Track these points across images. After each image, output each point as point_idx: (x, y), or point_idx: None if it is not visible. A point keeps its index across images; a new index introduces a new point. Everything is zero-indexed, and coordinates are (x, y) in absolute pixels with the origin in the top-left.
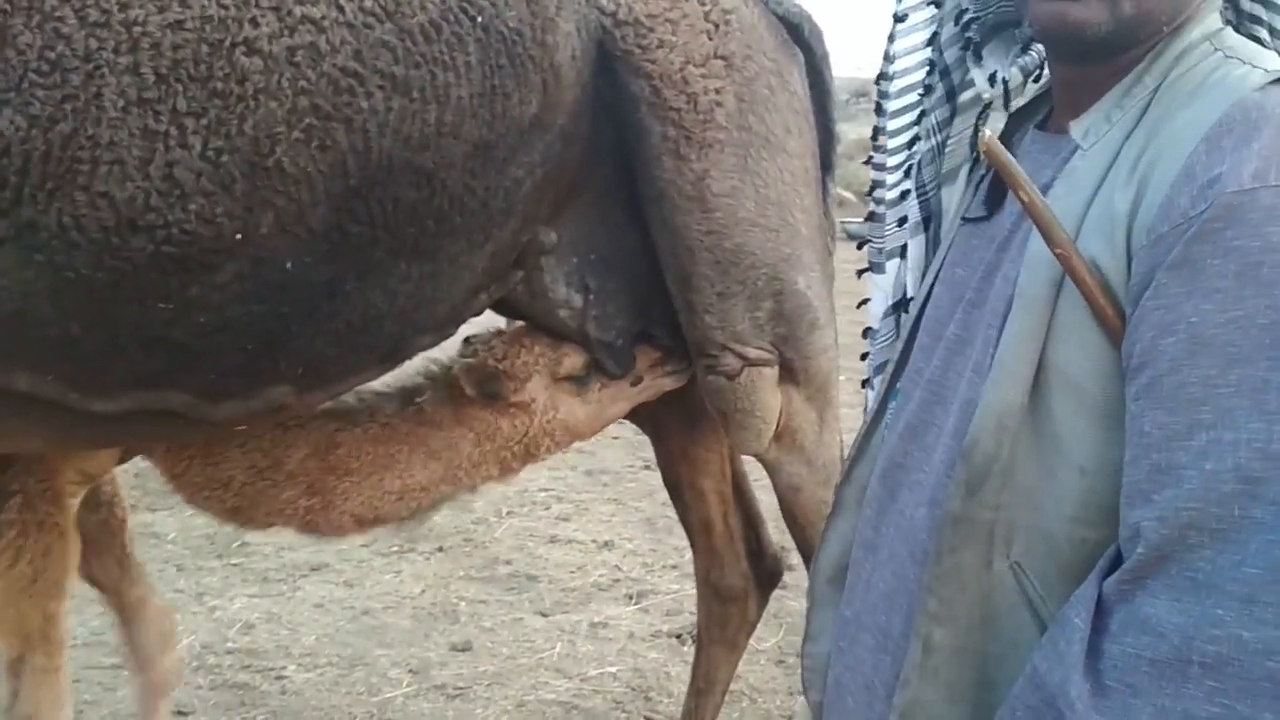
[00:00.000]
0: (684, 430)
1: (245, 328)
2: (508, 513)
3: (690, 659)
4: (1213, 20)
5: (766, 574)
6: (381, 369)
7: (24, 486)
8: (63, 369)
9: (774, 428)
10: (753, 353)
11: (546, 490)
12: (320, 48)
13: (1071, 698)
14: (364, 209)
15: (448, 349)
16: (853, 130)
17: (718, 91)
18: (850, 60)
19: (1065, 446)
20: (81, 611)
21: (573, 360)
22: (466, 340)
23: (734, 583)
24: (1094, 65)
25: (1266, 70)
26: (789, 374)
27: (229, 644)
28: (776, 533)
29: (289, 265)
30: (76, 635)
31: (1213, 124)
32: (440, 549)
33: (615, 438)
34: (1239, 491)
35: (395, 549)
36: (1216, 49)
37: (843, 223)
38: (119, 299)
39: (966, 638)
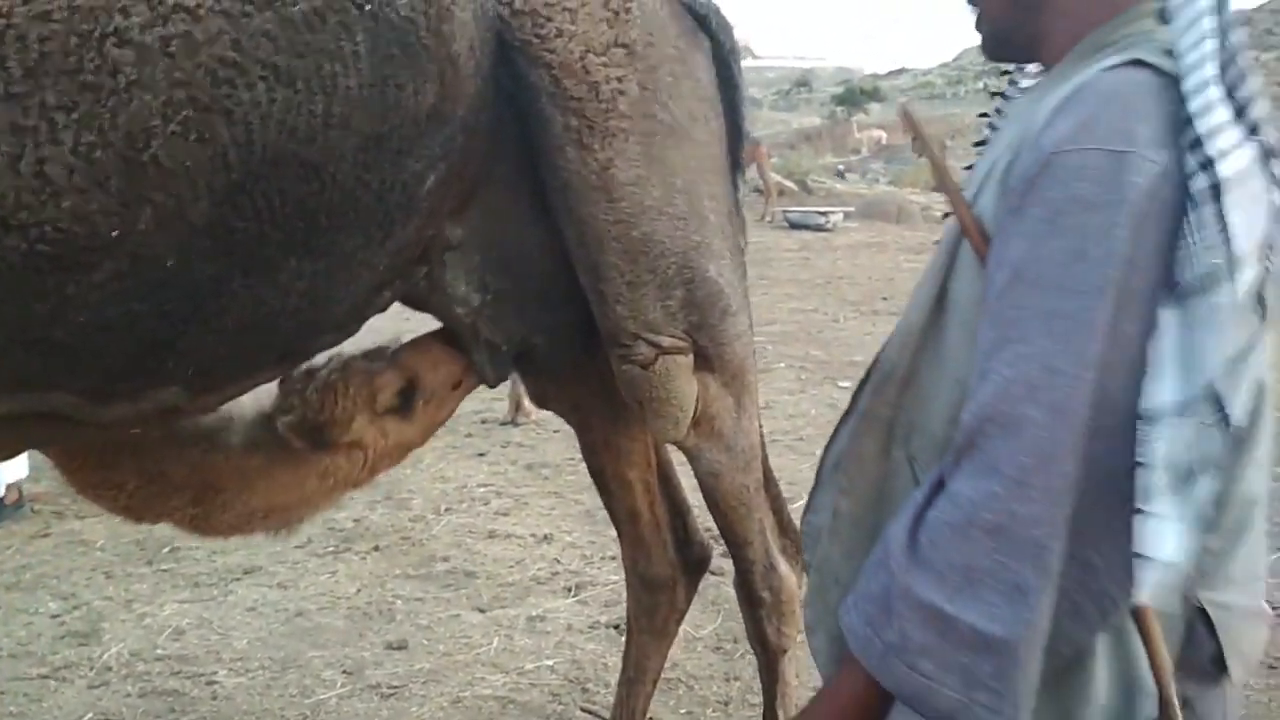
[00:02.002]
0: (607, 421)
1: (128, 327)
2: (446, 509)
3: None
4: (1140, 18)
5: (694, 561)
6: (280, 369)
7: None
8: None
9: (691, 415)
10: (666, 341)
11: (485, 485)
12: (196, 37)
13: (894, 549)
14: (249, 204)
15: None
16: (794, 119)
17: (620, 80)
18: (791, 50)
19: (949, 361)
20: (7, 622)
21: (388, 391)
22: (281, 387)
23: (661, 571)
24: (1026, 63)
25: (1127, 56)
26: (704, 361)
27: (158, 650)
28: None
29: (170, 263)
30: (1, 646)
31: (1060, 99)
32: (376, 548)
33: (556, 431)
34: (1023, 395)
35: (331, 549)
36: (1119, 41)
37: (784, 211)
38: None
39: (864, 509)
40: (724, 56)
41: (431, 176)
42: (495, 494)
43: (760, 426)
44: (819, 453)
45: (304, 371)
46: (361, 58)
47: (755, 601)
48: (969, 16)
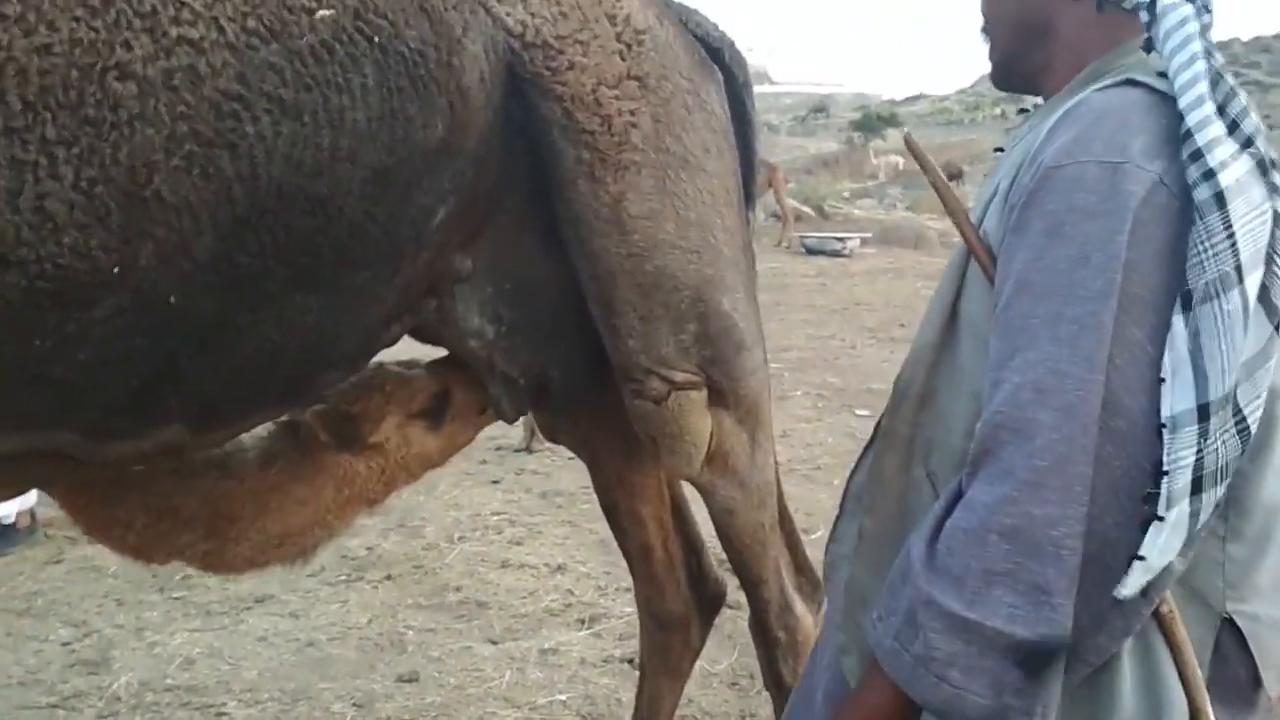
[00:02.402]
0: (620, 456)
1: (129, 365)
2: (459, 538)
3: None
4: (1135, 50)
5: (708, 599)
6: (285, 407)
7: None
8: None
9: (704, 451)
10: (679, 376)
11: (499, 514)
12: (200, 70)
13: (914, 561)
14: (253, 239)
15: None
16: (811, 145)
17: (632, 113)
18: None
19: (966, 377)
20: (17, 649)
21: (422, 396)
22: None
23: (675, 609)
24: (1032, 94)
25: (1120, 77)
26: (717, 397)
27: (168, 680)
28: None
29: (173, 299)
30: (11, 674)
31: (1056, 119)
32: (389, 577)
33: (570, 459)
34: (1033, 399)
35: (343, 578)
36: (1114, 70)
37: (801, 237)
38: None
39: (887, 526)
40: (737, 90)
41: (441, 210)
42: (509, 522)
43: (775, 463)
44: (836, 482)
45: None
46: (369, 90)
47: (770, 641)
48: (985, 45)
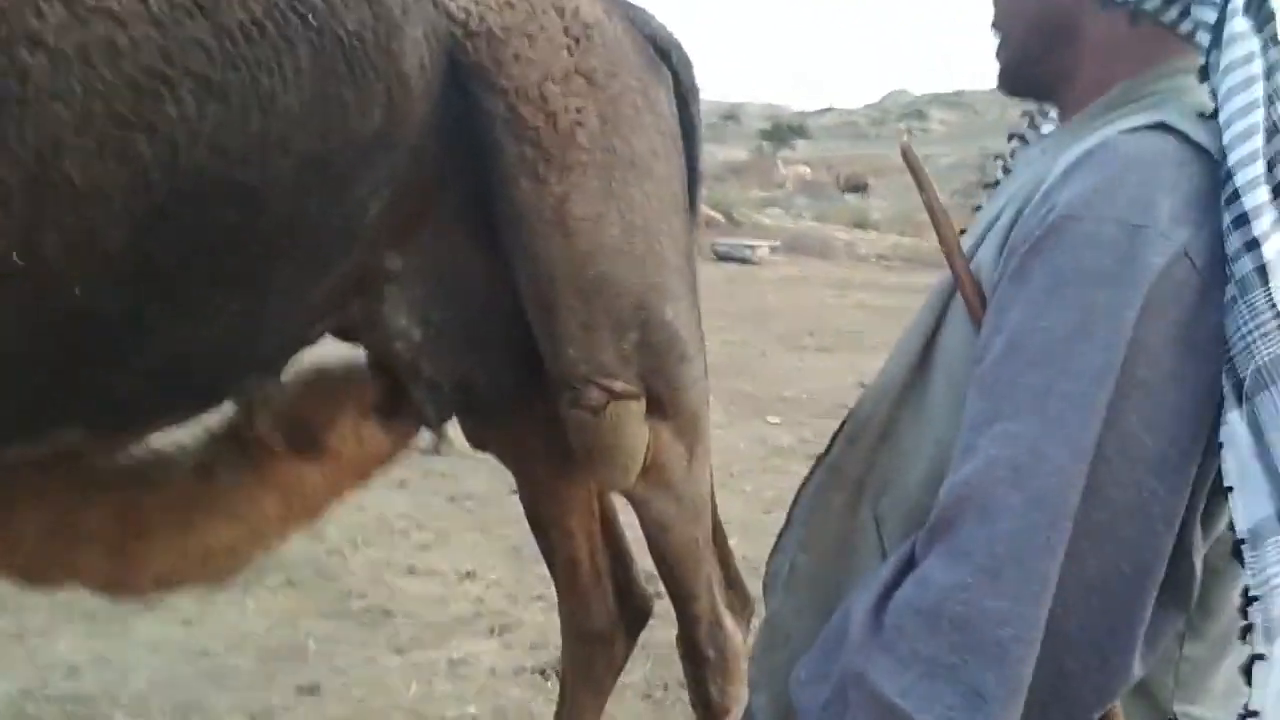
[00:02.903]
0: (550, 467)
1: (26, 362)
2: (363, 542)
3: (555, 695)
4: (1177, 74)
5: (635, 614)
6: (195, 410)
7: None
8: None
9: (640, 463)
10: (619, 386)
11: (406, 517)
12: (119, 44)
13: (854, 628)
14: (172, 231)
15: None
16: (721, 151)
17: (579, 110)
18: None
19: (931, 420)
20: None
21: (377, 389)
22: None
23: (600, 624)
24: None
25: (1152, 118)
26: (657, 408)
27: (49, 690)
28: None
29: (79, 292)
30: None
31: (1076, 156)
32: (289, 582)
33: (481, 460)
34: (1005, 478)
35: (240, 583)
36: (1149, 97)
37: (712, 243)
38: None
39: (822, 566)
40: (684, 94)
41: (375, 205)
42: (416, 526)
43: (710, 476)
44: (749, 489)
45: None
46: (303, 73)
47: (699, 660)
48: (899, 55)
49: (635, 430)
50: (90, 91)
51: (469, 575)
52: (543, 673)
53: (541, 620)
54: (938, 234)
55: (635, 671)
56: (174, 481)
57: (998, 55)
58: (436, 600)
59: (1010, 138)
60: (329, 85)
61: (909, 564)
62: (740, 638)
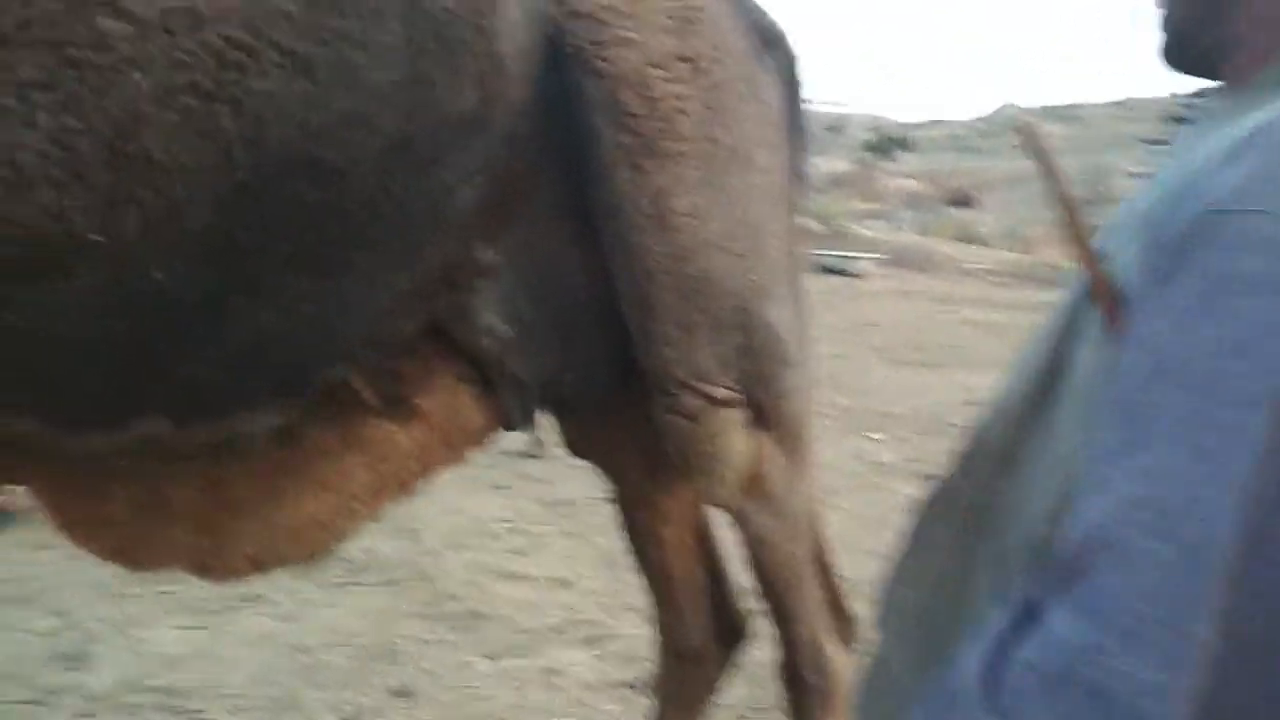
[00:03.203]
0: (646, 473)
1: (105, 347)
2: (459, 545)
3: (646, 710)
4: None
5: (731, 632)
6: (279, 401)
7: None
8: None
9: (739, 474)
10: (718, 391)
11: (502, 521)
12: (202, 13)
13: (967, 688)
14: (254, 210)
15: None
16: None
17: (681, 97)
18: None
19: (1058, 444)
20: None
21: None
22: None
23: (694, 641)
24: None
25: None
26: (758, 416)
27: (149, 680)
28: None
29: (158, 275)
30: None
31: (1232, 140)
32: (386, 582)
33: (578, 465)
34: (1149, 522)
35: (338, 581)
36: None
37: (813, 254)
38: None
39: (930, 606)
40: (789, 86)
41: (465, 191)
42: (512, 531)
43: (816, 491)
44: (846, 506)
45: None
46: (393, 49)
47: (800, 687)
48: (1010, 67)
49: (735, 439)
50: (172, 61)
51: (563, 583)
52: (634, 687)
53: (635, 632)
54: (1067, 227)
55: (732, 692)
56: (258, 448)
57: (1162, 27)
58: (530, 606)
59: (1177, 120)
60: (419, 64)
61: (1029, 613)
62: (843, 663)
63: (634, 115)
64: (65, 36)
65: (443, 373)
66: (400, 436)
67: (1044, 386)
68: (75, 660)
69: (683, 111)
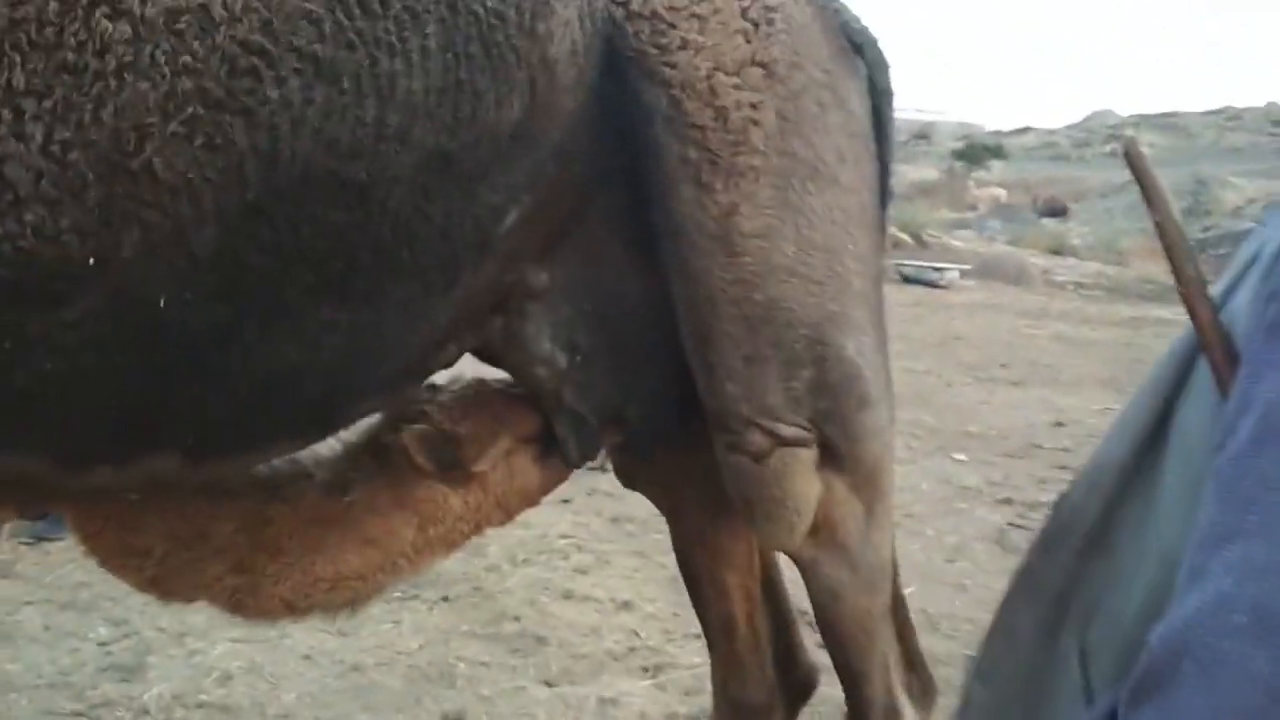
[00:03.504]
0: (706, 513)
1: (108, 381)
2: (523, 560)
3: None
4: None
5: (798, 688)
6: (306, 438)
7: None
8: None
9: (808, 521)
10: (786, 430)
11: (566, 537)
12: (214, 14)
13: None
14: (269, 233)
15: None
16: (911, 172)
17: (754, 106)
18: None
19: (1160, 525)
20: (53, 646)
21: (535, 419)
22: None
23: (757, 697)
24: None
25: None
26: (831, 458)
27: (202, 696)
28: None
29: (163, 302)
30: (42, 673)
31: None
32: (445, 598)
33: None
34: (1247, 628)
35: (398, 595)
36: None
37: (898, 265)
38: None
39: (1007, 707)
40: (877, 95)
41: (513, 211)
42: (576, 548)
43: (893, 541)
44: (930, 532)
45: (431, 385)
46: (430, 55)
47: None
48: (1104, 73)
49: (804, 483)
50: (178, 68)
51: (625, 605)
52: None
53: (698, 662)
54: (1173, 268)
55: None
56: (306, 496)
57: None
58: (590, 630)
59: None
60: (460, 70)
61: None
62: None
63: (700, 127)
64: (59, 39)
65: (503, 436)
66: (454, 500)
67: (1145, 454)
68: (129, 672)
69: (755, 122)
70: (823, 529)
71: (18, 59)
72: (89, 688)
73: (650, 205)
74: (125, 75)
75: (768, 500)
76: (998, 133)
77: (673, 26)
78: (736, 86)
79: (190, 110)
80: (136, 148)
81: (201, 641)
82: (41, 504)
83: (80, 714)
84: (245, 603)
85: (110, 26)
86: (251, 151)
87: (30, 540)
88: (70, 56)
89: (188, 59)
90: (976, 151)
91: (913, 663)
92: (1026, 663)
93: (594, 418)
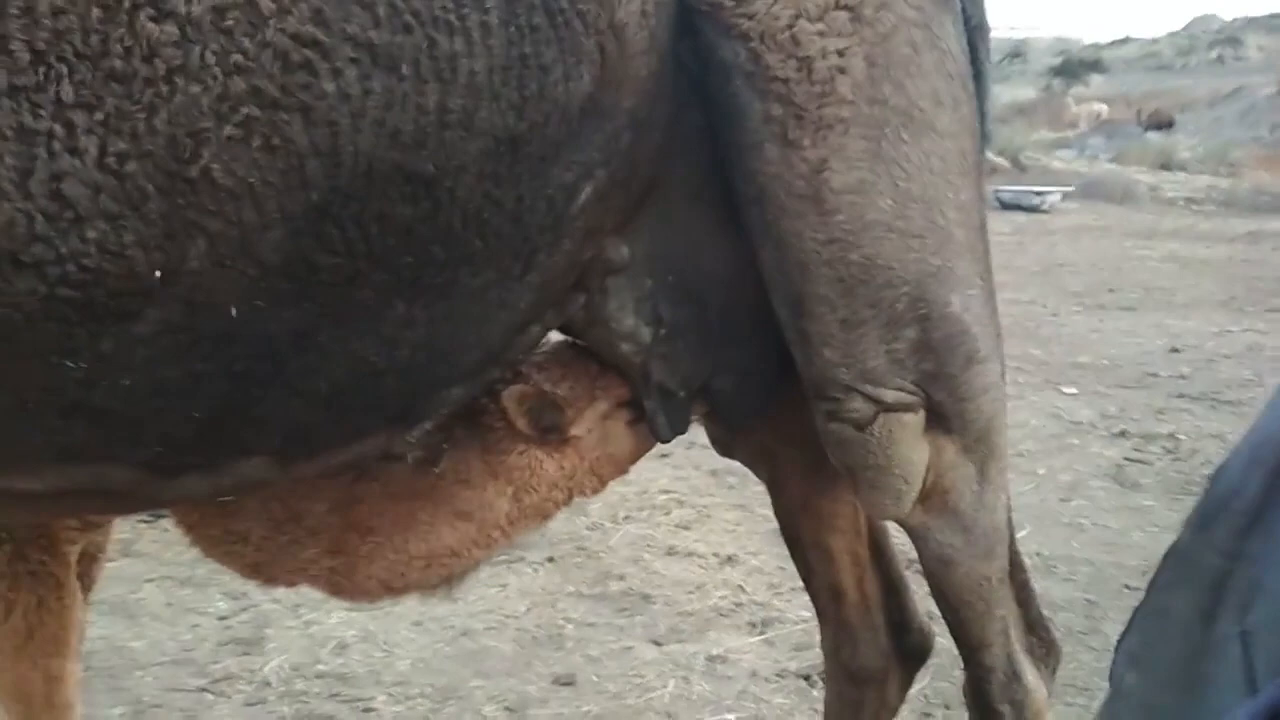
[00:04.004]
0: (807, 477)
1: (189, 391)
2: (625, 517)
3: (819, 704)
4: None
5: (912, 651)
6: (396, 431)
7: (13, 534)
8: None
9: (917, 488)
10: (890, 395)
11: (667, 492)
12: (262, 7)
13: None
14: (336, 233)
15: None
16: (1006, 92)
17: (840, 53)
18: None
19: None
20: (174, 622)
21: (627, 387)
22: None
23: (870, 661)
24: None
25: None
26: (939, 420)
27: (319, 666)
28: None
29: (235, 311)
30: (165, 650)
31: None
32: (551, 559)
33: None
34: None
35: (503, 558)
36: None
37: (995, 190)
38: (13, 356)
39: (1160, 692)
40: (972, 31)
41: (587, 188)
42: (677, 503)
43: (1008, 502)
44: (1041, 471)
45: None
46: (492, 31)
47: (991, 716)
48: None
49: (910, 448)
50: (229, 68)
51: (730, 560)
52: (807, 678)
53: (806, 616)
54: None
55: (913, 684)
56: (397, 471)
57: None
58: (695, 587)
59: None
60: (525, 44)
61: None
62: (1043, 693)
63: (782, 80)
64: (105, 46)
65: (601, 399)
66: (549, 466)
67: None
68: (248, 645)
69: (843, 70)
70: (933, 494)
71: (65, 70)
72: (211, 662)
73: (733, 168)
74: (176, 79)
75: (872, 469)
76: (1095, 45)
77: None
78: (821, 34)
79: (245, 111)
80: (193, 155)
81: (316, 612)
82: (138, 510)
83: (204, 688)
84: (342, 584)
85: (156, 29)
86: (312, 150)
87: (149, 519)
88: (118, 64)
89: (239, 58)
90: (1074, 66)
91: (1033, 625)
92: (1181, 648)
93: (682, 391)
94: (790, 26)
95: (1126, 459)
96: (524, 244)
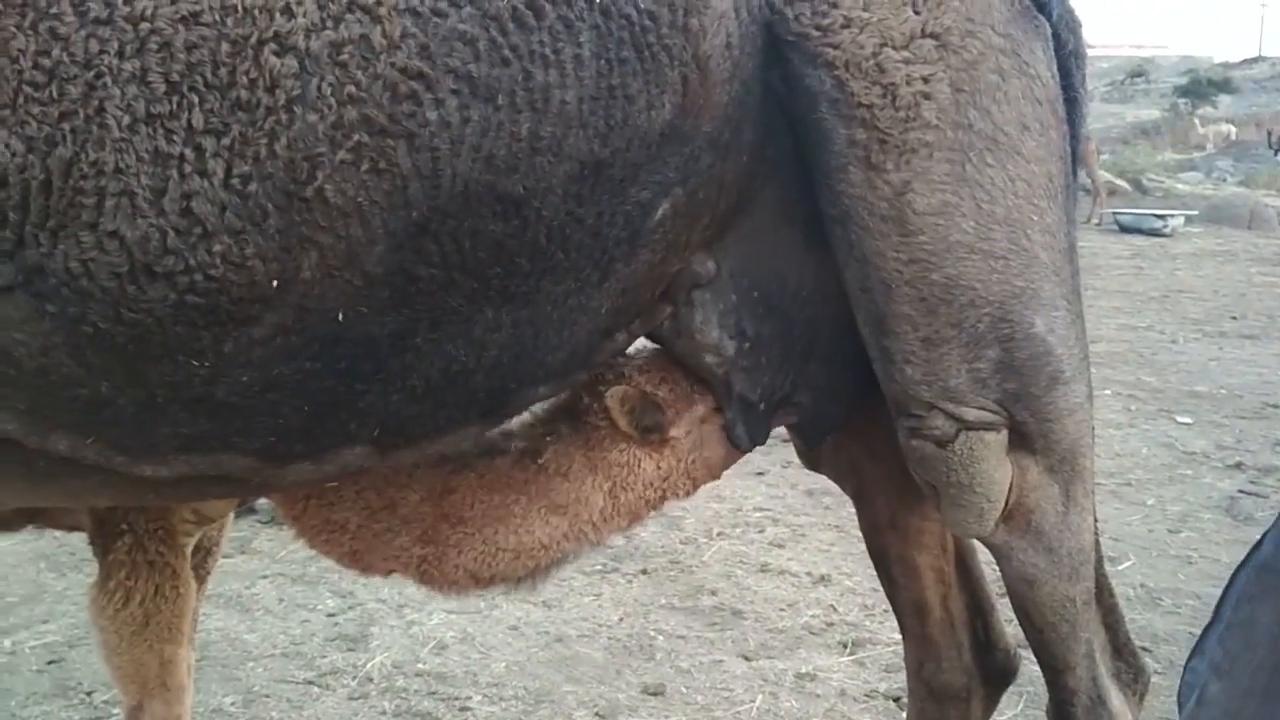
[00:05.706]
0: (893, 493)
1: (299, 387)
2: (718, 534)
3: None
4: None
5: (996, 672)
6: (484, 424)
7: (133, 526)
8: (103, 432)
9: (1000, 507)
10: (971, 414)
11: (762, 510)
12: (374, 43)
13: None
14: (434, 247)
15: None
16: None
17: (925, 80)
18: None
19: None
20: (285, 617)
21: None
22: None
23: (953, 680)
24: None
25: None
26: (1022, 440)
27: (420, 665)
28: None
29: (342, 316)
30: (276, 643)
31: None
32: (644, 571)
33: None
34: None
35: (599, 568)
36: None
37: (1114, 213)
38: (146, 356)
39: (1243, 703)
40: (1066, 58)
41: (664, 204)
42: (771, 520)
43: (1095, 524)
44: (1151, 501)
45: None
46: (584, 63)
47: None
48: None
49: (993, 467)
50: (343, 98)
51: (822, 579)
52: (897, 700)
53: (897, 638)
54: None
55: (1005, 712)
56: (497, 463)
57: None
58: (787, 604)
59: None
60: (614, 76)
61: None
62: (1130, 716)
63: (865, 106)
64: (232, 78)
65: (699, 403)
66: (647, 465)
67: None
68: (354, 641)
69: (927, 96)
70: (1016, 514)
71: (196, 100)
72: (318, 656)
73: (819, 189)
74: (295, 108)
75: (954, 486)
76: (1225, 64)
77: (834, 5)
78: (906, 61)
79: (356, 138)
80: (309, 177)
81: (418, 613)
82: (253, 496)
83: (311, 681)
84: (432, 573)
85: (278, 62)
86: (415, 173)
87: (266, 519)
88: (243, 94)
89: (352, 89)
90: (1202, 86)
91: (1120, 649)
92: (1267, 659)
93: (763, 404)
94: (875, 55)
95: (1241, 491)
96: (602, 255)
